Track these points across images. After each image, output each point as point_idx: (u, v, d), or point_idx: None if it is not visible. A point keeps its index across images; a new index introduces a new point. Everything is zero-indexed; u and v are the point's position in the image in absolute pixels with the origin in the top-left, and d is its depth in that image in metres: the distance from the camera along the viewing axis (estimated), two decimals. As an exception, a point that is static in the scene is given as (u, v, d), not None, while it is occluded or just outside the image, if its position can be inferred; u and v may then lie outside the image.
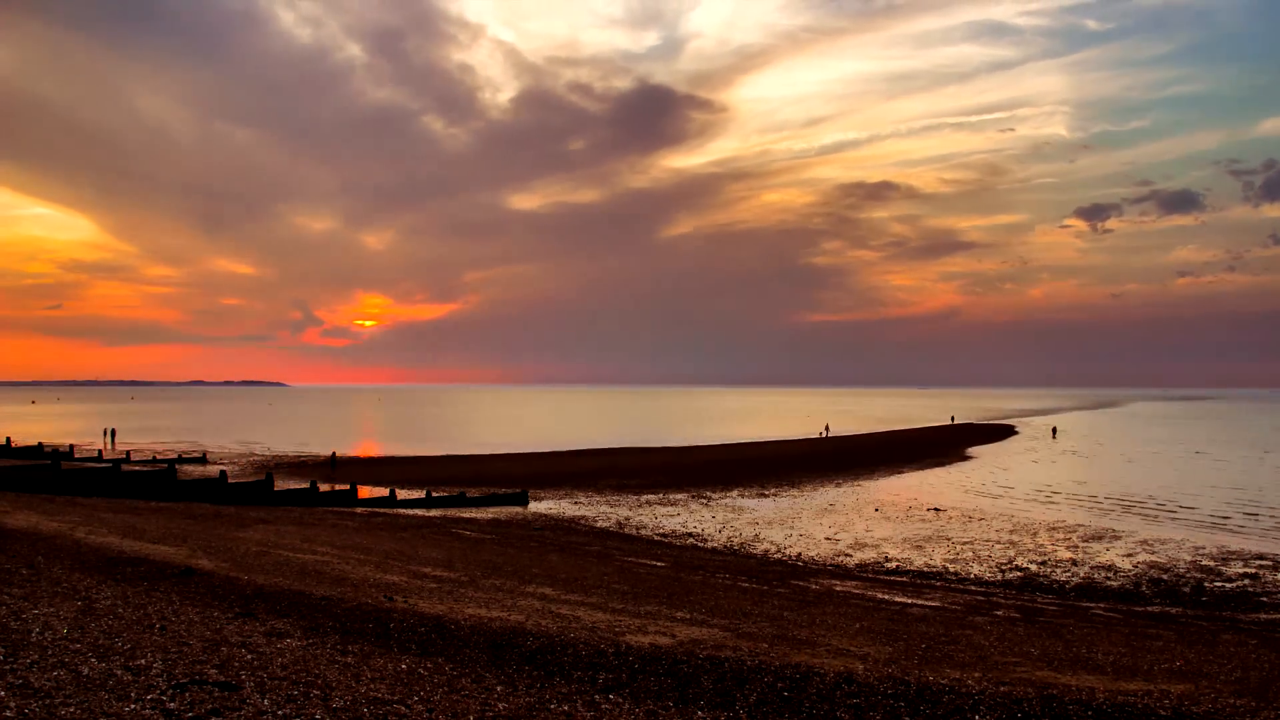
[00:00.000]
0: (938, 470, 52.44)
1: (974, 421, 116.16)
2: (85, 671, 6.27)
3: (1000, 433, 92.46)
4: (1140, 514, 34.29)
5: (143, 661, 6.69)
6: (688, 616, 12.14)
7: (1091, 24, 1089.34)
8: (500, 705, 6.63)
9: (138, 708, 5.59)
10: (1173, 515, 34.02)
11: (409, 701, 6.44)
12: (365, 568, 14.59)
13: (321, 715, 5.87)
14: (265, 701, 5.98)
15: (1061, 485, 43.81)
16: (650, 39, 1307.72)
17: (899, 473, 50.53)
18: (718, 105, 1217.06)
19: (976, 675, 8.85)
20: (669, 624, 11.08)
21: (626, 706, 6.92)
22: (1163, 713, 7.48)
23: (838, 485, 44.14)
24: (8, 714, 5.27)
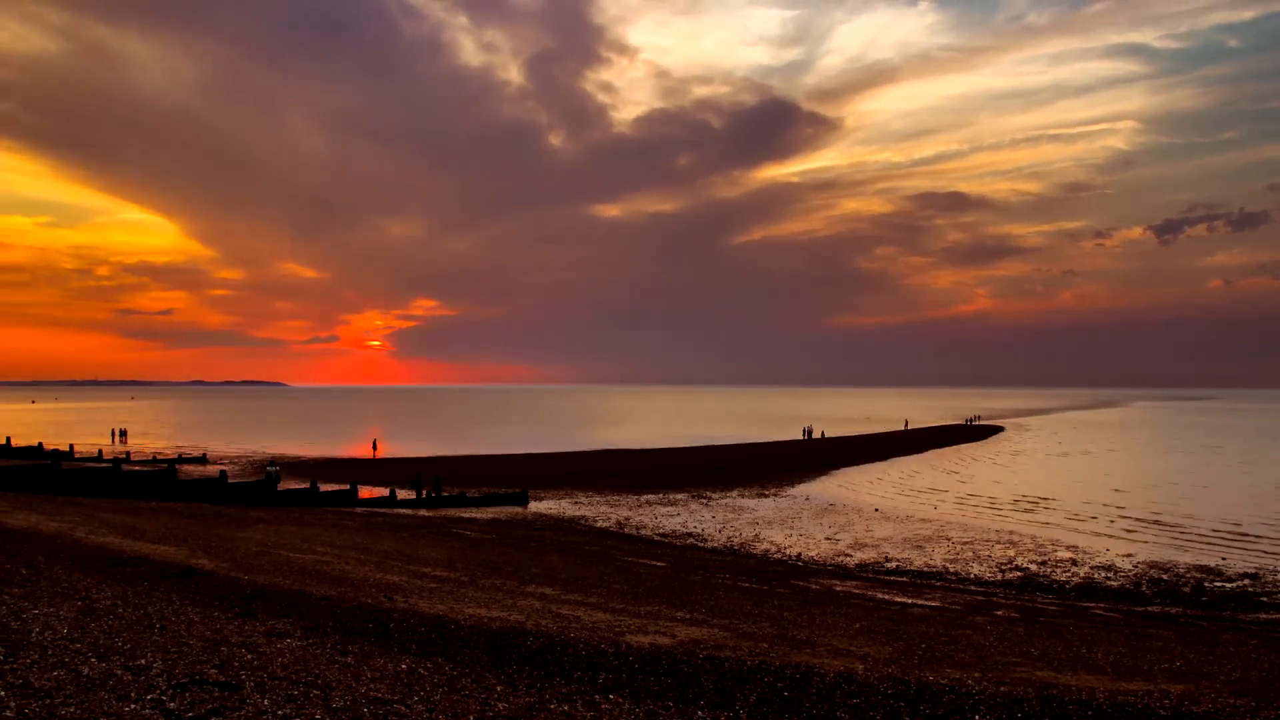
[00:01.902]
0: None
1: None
2: (85, 671, 6.27)
3: (974, 434, 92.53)
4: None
5: (143, 661, 6.69)
6: (688, 616, 12.13)
7: (1232, 42, 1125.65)
8: (500, 705, 6.63)
9: (138, 708, 5.58)
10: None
11: (409, 701, 6.44)
12: (365, 567, 14.58)
13: (321, 715, 5.86)
14: (265, 701, 5.98)
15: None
16: (791, 56, 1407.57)
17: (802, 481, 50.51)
18: (832, 120, 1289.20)
19: (976, 675, 8.85)
20: (669, 624, 11.07)
21: (626, 706, 6.92)
22: (1163, 713, 7.48)
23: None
24: (8, 714, 5.27)
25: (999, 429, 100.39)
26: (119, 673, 6.31)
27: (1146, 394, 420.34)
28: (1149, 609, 18.76)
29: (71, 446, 59.46)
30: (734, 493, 41.00)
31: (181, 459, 55.61)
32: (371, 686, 6.72)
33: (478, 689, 7.03)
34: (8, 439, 64.41)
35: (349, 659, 7.57)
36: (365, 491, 38.19)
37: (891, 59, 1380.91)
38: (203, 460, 55.82)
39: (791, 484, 44.76)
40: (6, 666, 6.23)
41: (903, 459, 61.35)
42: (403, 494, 37.06)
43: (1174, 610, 18.63)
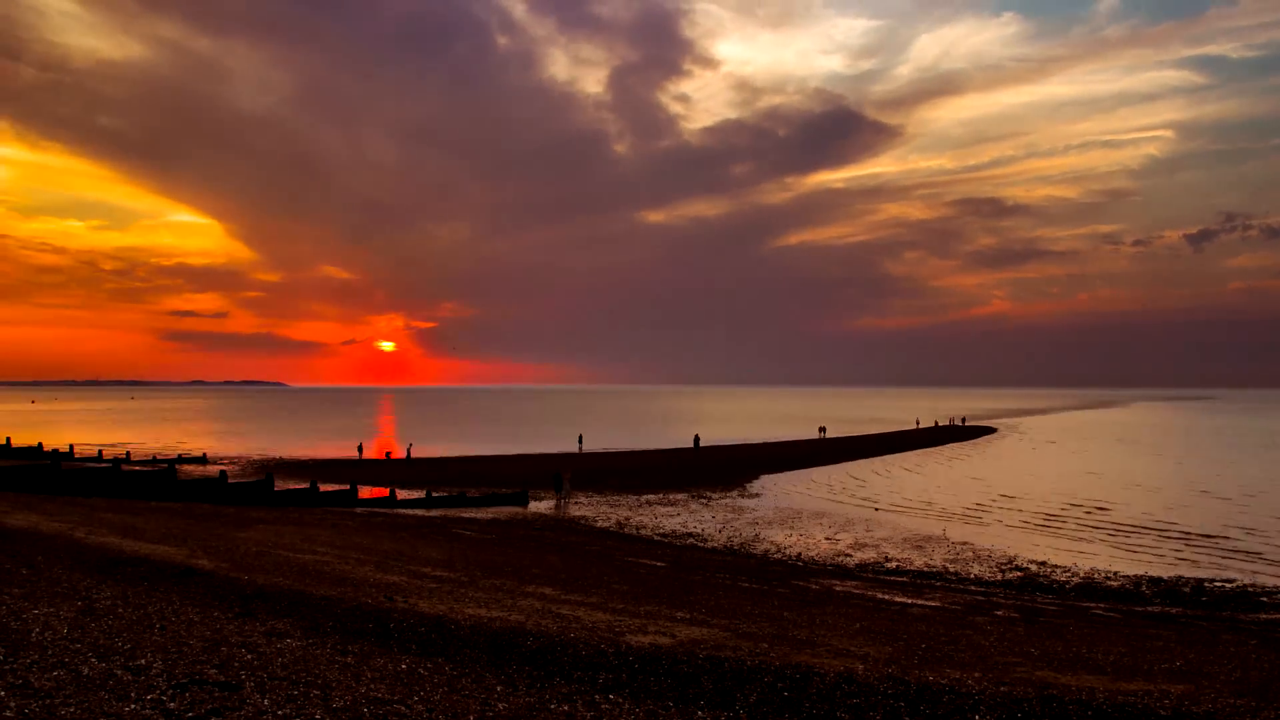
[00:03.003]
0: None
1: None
2: (85, 671, 6.26)
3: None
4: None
5: (143, 661, 6.69)
6: (688, 616, 12.13)
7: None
8: (500, 705, 6.62)
9: (138, 708, 5.58)
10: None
11: (409, 701, 6.43)
12: (365, 568, 14.58)
13: (321, 715, 5.86)
14: (265, 701, 5.97)
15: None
16: (866, 65, 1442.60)
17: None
18: (893, 128, 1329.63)
19: (976, 675, 8.84)
20: (669, 624, 11.07)
21: (626, 706, 6.91)
22: (1163, 713, 7.47)
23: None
24: (8, 714, 5.27)
25: (991, 429, 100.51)
26: (119, 673, 6.31)
27: (1152, 394, 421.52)
28: (1149, 609, 18.75)
29: (72, 447, 59.45)
30: (734, 492, 41.03)
31: (181, 459, 55.61)
32: (371, 686, 6.72)
33: (478, 689, 7.03)
34: (8, 439, 64.42)
35: (349, 659, 7.57)
36: (365, 491, 38.20)
37: (962, 68, 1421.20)
38: (203, 460, 55.82)
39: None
40: (6, 666, 6.22)
41: (878, 459, 61.67)
42: (403, 494, 37.05)
43: (1174, 610, 18.63)
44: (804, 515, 33.87)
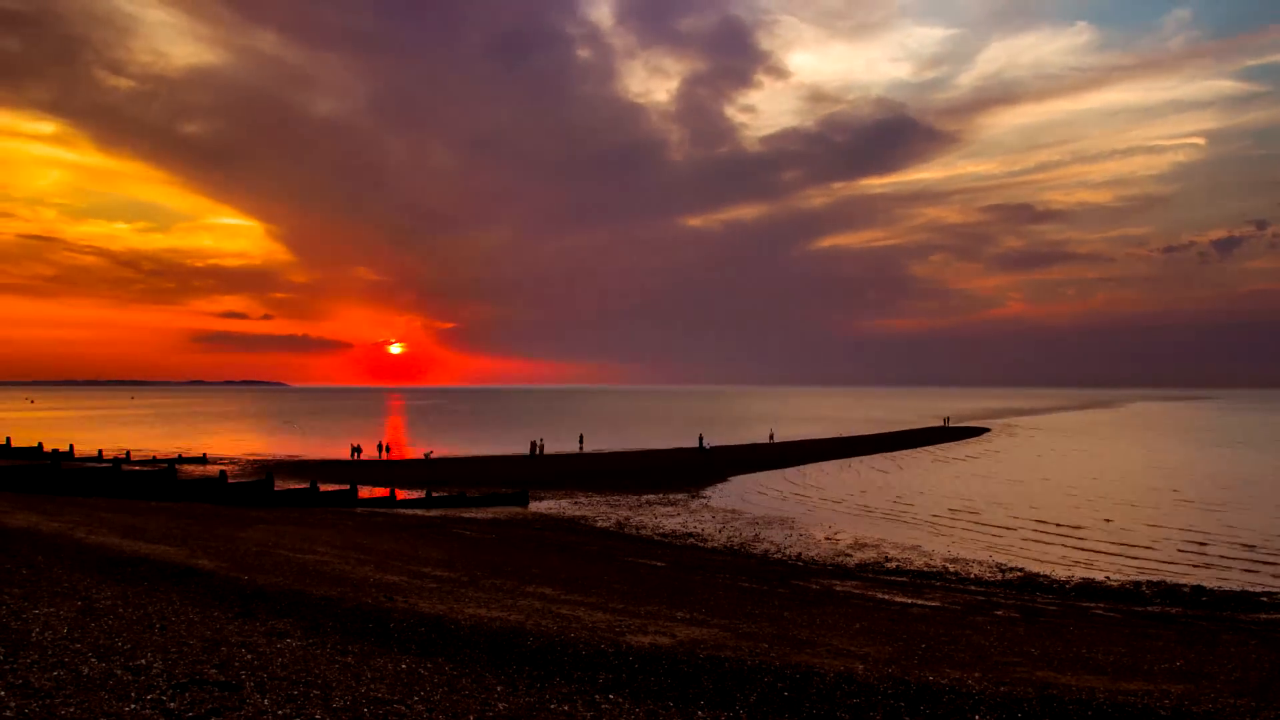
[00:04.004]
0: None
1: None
2: (85, 671, 6.26)
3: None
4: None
5: (143, 661, 6.69)
6: (688, 616, 12.12)
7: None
8: (500, 705, 6.62)
9: (138, 708, 5.58)
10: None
11: (409, 701, 6.43)
12: (365, 568, 14.57)
13: (322, 715, 5.86)
14: (265, 701, 5.97)
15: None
16: (931, 74, 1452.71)
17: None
18: (946, 134, 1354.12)
19: (976, 675, 8.84)
20: (669, 624, 11.07)
21: (626, 706, 6.91)
22: (1163, 713, 7.48)
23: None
24: (8, 714, 5.27)
25: (984, 430, 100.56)
26: (119, 673, 6.31)
27: (1158, 394, 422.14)
28: (1149, 609, 18.75)
29: (71, 447, 59.44)
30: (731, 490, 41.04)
31: (181, 459, 55.62)
32: (371, 686, 6.72)
33: (478, 689, 7.02)
34: (8, 439, 64.42)
35: (349, 659, 7.57)
36: (365, 491, 38.19)
37: (1022, 77, 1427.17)
38: (203, 460, 55.82)
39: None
40: (6, 666, 6.22)
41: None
42: (402, 494, 37.06)
43: (1174, 610, 18.63)
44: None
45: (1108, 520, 32.65)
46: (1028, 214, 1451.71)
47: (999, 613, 16.34)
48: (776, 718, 6.93)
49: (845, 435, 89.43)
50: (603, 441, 77.37)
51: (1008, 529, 30.86)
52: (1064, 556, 25.75)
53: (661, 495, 39.97)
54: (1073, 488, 43.64)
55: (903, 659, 9.80)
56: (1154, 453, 67.99)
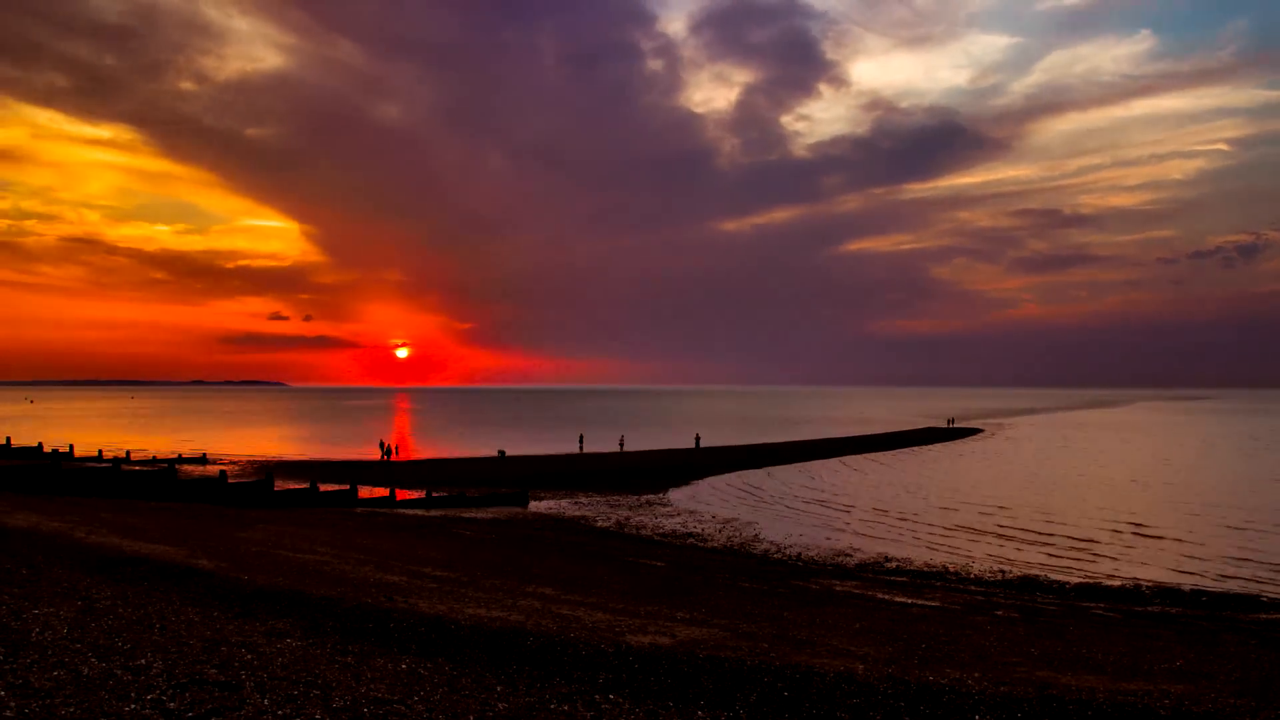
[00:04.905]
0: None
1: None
2: (85, 671, 6.26)
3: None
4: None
5: (143, 661, 6.69)
6: (688, 616, 12.12)
7: None
8: (500, 705, 6.62)
9: (138, 708, 5.58)
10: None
11: (409, 701, 6.43)
12: (365, 568, 14.58)
13: (321, 715, 5.86)
14: (265, 701, 5.97)
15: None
16: (988, 81, 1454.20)
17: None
18: (993, 141, 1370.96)
19: (976, 675, 8.84)
20: (669, 624, 11.06)
21: (626, 706, 6.91)
22: (1163, 713, 7.47)
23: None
24: (8, 714, 5.27)
25: (977, 430, 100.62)
26: (119, 673, 6.31)
27: (1160, 395, 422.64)
28: (1149, 609, 18.75)
29: (71, 447, 59.43)
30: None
31: (181, 459, 55.61)
32: (371, 686, 6.72)
33: (478, 689, 7.02)
34: (8, 439, 64.41)
35: (349, 659, 7.57)
36: (365, 491, 38.19)
37: (1074, 84, 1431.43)
38: (203, 460, 55.82)
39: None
40: (6, 666, 6.22)
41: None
42: (402, 494, 37.05)
43: (1174, 610, 18.63)
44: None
45: (1110, 523, 32.69)
46: (1056, 218, 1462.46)
47: (999, 613, 16.34)
48: (776, 718, 6.93)
49: (831, 437, 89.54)
50: (601, 443, 77.39)
51: (1008, 529, 30.90)
52: (1064, 557, 25.77)
53: (662, 495, 39.97)
54: (1071, 487, 43.69)
55: (903, 659, 9.80)
56: (1154, 453, 67.99)
